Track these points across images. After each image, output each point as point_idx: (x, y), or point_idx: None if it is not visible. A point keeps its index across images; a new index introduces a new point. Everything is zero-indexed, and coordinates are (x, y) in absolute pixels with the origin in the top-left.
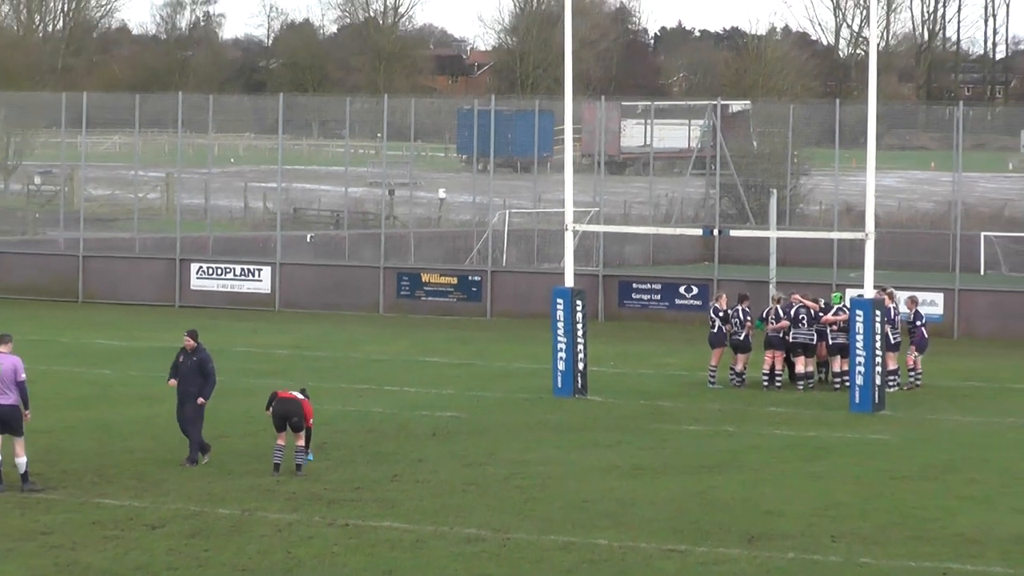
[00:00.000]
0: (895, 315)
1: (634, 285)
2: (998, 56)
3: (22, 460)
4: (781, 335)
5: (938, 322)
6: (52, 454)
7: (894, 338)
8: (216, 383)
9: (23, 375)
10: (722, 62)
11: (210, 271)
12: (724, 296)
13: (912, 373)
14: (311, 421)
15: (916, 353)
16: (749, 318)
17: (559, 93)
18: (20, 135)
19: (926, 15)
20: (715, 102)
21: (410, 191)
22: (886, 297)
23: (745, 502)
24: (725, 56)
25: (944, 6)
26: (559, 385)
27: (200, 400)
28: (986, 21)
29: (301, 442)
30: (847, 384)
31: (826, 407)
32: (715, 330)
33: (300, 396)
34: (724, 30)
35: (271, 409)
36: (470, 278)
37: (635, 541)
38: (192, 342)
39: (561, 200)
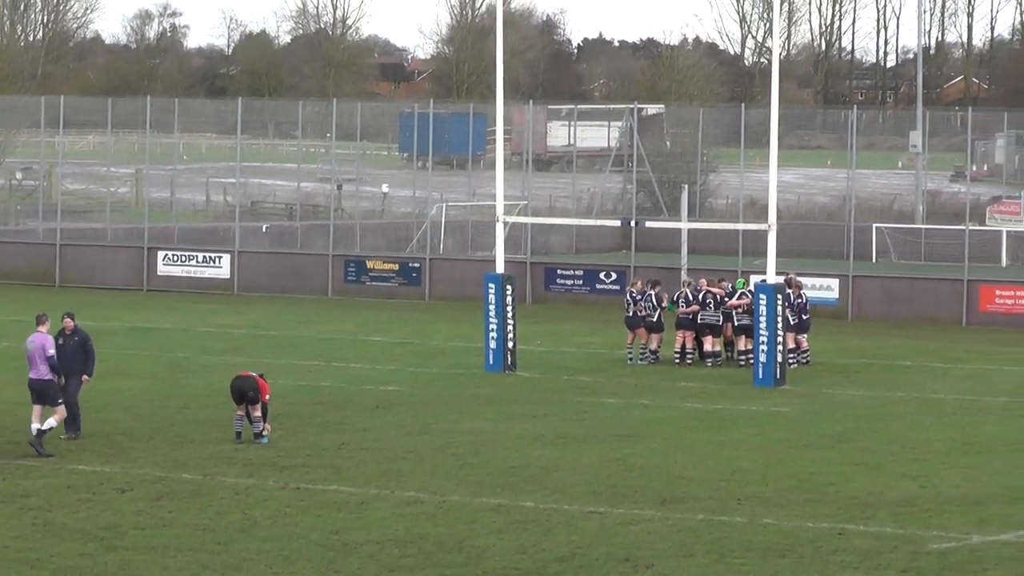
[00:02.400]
0: (795, 299)
1: (559, 271)
2: (889, 64)
3: (37, 425)
4: (691, 317)
5: (833, 305)
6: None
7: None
8: (96, 360)
9: (51, 351)
10: (639, 70)
11: (175, 258)
12: (639, 282)
13: (804, 353)
14: (267, 397)
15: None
16: (663, 302)
17: (491, 98)
18: (3, 135)
19: (824, 27)
20: (632, 106)
21: (356, 186)
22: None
23: (658, 468)
24: (641, 64)
25: (840, 19)
26: (491, 362)
27: (85, 377)
28: (878, 33)
29: (257, 413)
30: (751, 361)
31: (732, 382)
32: (630, 313)
33: (256, 374)
34: (641, 40)
35: (230, 385)
36: (410, 264)
37: (559, 503)
38: (72, 323)
39: (493, 194)
